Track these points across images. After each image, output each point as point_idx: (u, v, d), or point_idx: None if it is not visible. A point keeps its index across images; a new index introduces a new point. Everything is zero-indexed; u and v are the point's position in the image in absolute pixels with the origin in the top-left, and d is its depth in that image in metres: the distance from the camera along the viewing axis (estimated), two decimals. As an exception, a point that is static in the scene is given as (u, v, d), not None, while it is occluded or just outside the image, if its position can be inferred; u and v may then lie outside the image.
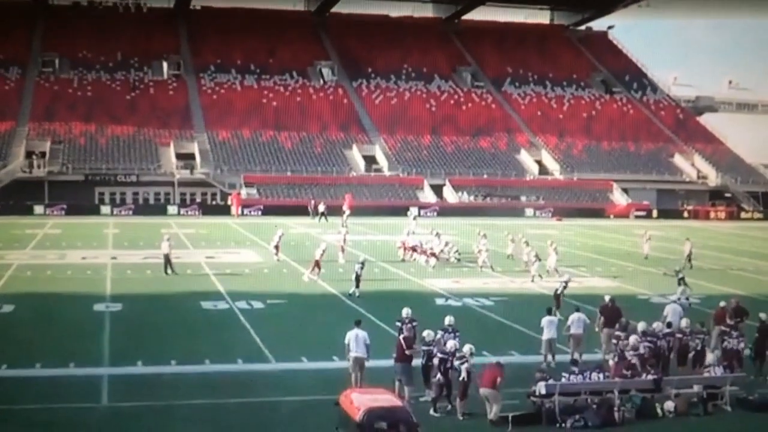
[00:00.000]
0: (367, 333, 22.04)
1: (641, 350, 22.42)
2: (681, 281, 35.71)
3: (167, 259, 40.73)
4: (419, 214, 76.44)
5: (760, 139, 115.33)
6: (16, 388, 21.82)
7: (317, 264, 39.59)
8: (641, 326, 23.58)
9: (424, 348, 21.53)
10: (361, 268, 35.96)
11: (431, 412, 20.13)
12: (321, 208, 73.65)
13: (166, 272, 40.36)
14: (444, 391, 20.50)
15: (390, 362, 21.75)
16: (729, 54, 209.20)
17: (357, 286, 35.48)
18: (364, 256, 38.66)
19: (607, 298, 26.73)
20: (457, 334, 22.51)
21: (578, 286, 36.06)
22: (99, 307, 32.32)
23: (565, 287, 31.12)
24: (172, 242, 42.58)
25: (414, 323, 23.11)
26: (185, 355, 24.92)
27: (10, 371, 23.25)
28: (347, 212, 69.27)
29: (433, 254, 45.40)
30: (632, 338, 22.77)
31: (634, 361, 21.67)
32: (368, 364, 21.73)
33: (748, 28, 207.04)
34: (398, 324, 23.27)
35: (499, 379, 19.51)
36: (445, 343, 21.42)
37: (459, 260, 46.20)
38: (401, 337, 21.75)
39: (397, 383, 21.09)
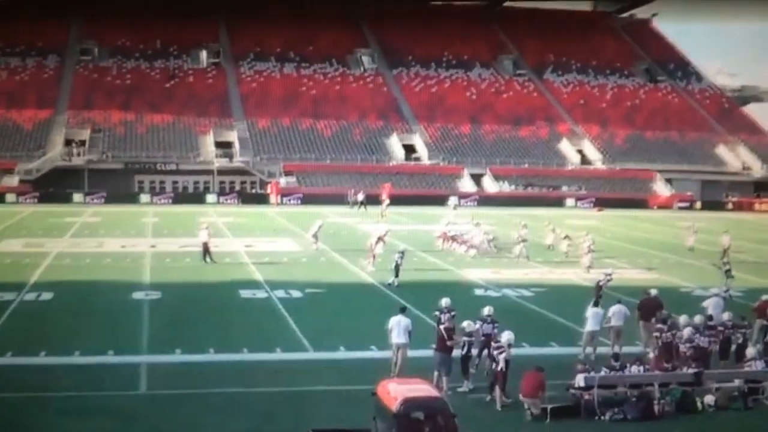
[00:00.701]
0: (410, 320, 22.14)
1: (702, 342, 22.22)
2: (727, 273, 35.26)
3: (206, 248, 40.77)
4: (459, 204, 76.24)
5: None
6: (55, 375, 21.85)
7: (373, 254, 39.50)
8: (683, 320, 23.25)
9: (464, 339, 21.36)
10: (401, 258, 35.79)
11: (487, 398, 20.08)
12: (360, 197, 73.50)
13: (204, 261, 40.41)
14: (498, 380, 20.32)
15: (428, 352, 21.67)
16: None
17: (396, 276, 35.31)
18: (404, 246, 38.48)
19: (653, 292, 26.36)
20: (496, 324, 22.36)
21: (618, 277, 35.63)
22: (138, 295, 32.39)
23: (609, 280, 30.75)
24: (211, 231, 42.66)
25: (453, 313, 22.92)
26: (223, 344, 24.89)
27: (49, 359, 23.30)
28: (386, 201, 69.11)
29: (472, 245, 45.12)
30: (687, 330, 22.54)
31: (690, 353, 21.43)
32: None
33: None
34: (437, 314, 23.09)
35: (540, 393, 19.30)
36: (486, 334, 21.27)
37: (498, 250, 45.86)
38: (442, 327, 21.57)
39: (435, 373, 20.95)
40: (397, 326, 21.95)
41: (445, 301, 23.41)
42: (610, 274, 31.48)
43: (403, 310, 22.57)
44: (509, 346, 20.29)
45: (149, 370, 22.46)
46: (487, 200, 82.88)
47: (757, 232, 63.43)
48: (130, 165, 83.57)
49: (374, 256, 39.47)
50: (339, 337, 25.95)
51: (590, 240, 41.65)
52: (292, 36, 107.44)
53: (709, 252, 46.55)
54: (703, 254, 46.49)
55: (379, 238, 40.52)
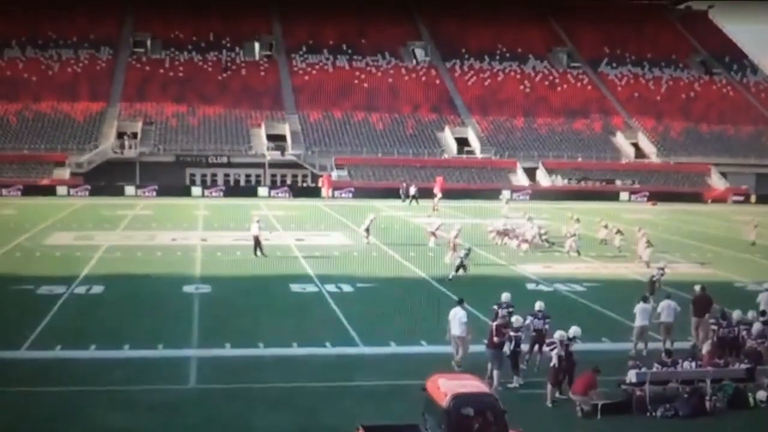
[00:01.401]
0: (466, 313, 22.38)
1: None
2: None
3: (257, 241, 40.78)
4: (511, 198, 75.83)
5: None
6: (104, 369, 22.03)
7: (454, 246, 39.30)
8: (736, 315, 22.99)
9: (513, 334, 21.22)
10: (466, 256, 35.57)
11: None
12: (412, 190, 73.37)
13: (255, 254, 40.46)
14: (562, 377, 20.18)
15: (482, 347, 21.71)
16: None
17: (456, 272, 35.06)
18: (468, 245, 38.21)
19: (697, 288, 26.00)
20: (548, 320, 22.33)
21: (671, 272, 35.17)
22: (188, 288, 32.52)
23: (662, 274, 30.37)
24: (262, 224, 42.69)
25: (510, 309, 22.79)
26: (273, 338, 24.93)
27: (98, 352, 23.46)
28: (438, 195, 68.94)
29: (525, 240, 44.81)
30: (756, 325, 22.43)
31: (761, 348, 21.28)
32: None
33: None
34: (495, 308, 23.00)
35: (590, 392, 19.13)
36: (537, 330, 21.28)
37: (551, 244, 45.49)
38: (494, 324, 21.45)
39: (489, 368, 21.02)
40: (454, 319, 22.33)
41: (505, 296, 23.42)
42: (663, 268, 31.09)
43: (460, 302, 22.76)
44: (574, 339, 20.26)
45: (199, 365, 22.56)
46: (540, 194, 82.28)
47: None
48: (182, 158, 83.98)
49: (453, 247, 39.16)
50: (389, 332, 25.88)
51: (647, 234, 41.24)
52: (344, 28, 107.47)
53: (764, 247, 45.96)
54: (763, 249, 45.79)
55: (432, 233, 40.38)
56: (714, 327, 22.99)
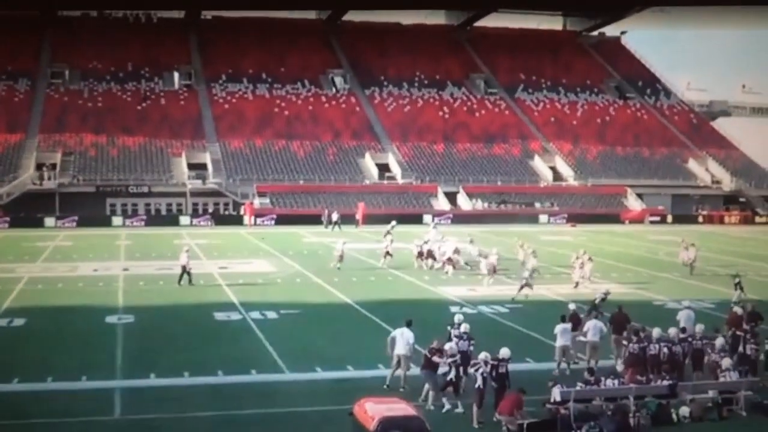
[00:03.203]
0: (413, 335, 22.62)
1: (677, 350, 22.82)
2: (737, 286, 35.55)
3: (184, 270, 40.36)
4: (435, 222, 76.28)
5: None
6: (28, 402, 21.64)
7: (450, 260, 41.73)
8: (656, 332, 23.40)
9: (448, 360, 21.29)
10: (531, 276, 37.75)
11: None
12: (335, 216, 73.56)
13: (179, 283, 40.10)
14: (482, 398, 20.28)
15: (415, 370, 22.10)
16: (742, 58, 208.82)
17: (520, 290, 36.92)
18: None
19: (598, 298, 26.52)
20: (472, 341, 22.48)
21: (591, 292, 35.65)
22: (111, 319, 32.13)
23: (603, 299, 30.20)
24: (190, 253, 42.29)
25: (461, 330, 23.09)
26: (198, 367, 24.74)
27: (22, 385, 23.06)
28: (360, 221, 69.15)
29: (449, 259, 44.96)
30: (655, 330, 23.17)
31: (724, 363, 21.82)
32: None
33: (762, 32, 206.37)
34: (448, 328, 23.54)
35: (516, 411, 19.30)
36: (462, 351, 21.62)
37: (470, 267, 45.70)
38: (428, 348, 21.64)
39: (424, 390, 21.22)
40: (400, 337, 22.47)
41: (457, 318, 23.65)
42: (606, 293, 31.05)
43: (409, 324, 22.89)
44: (504, 360, 20.47)
45: (123, 395, 22.29)
46: (461, 218, 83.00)
47: (728, 244, 63.84)
48: (102, 188, 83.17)
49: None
50: (315, 358, 25.85)
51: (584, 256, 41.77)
52: (264, 57, 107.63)
53: (678, 266, 46.86)
54: (681, 268, 46.57)
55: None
56: (624, 343, 23.51)
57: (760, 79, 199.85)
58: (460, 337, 22.63)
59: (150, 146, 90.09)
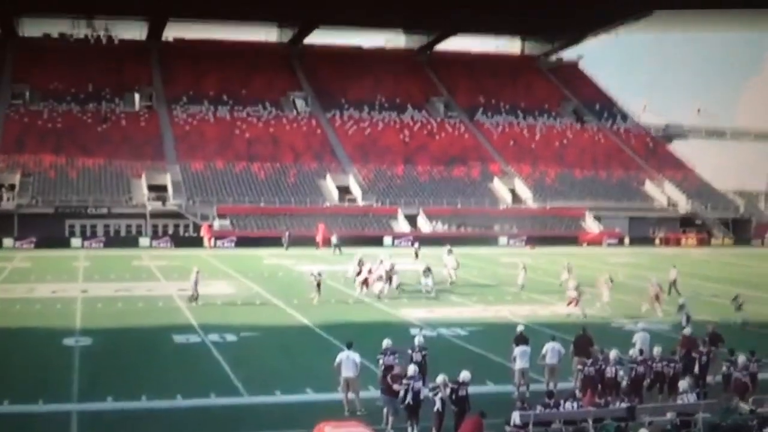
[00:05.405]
0: (358, 355, 22.63)
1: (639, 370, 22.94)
2: (739, 308, 36.03)
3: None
4: (394, 244, 76.41)
5: (729, 166, 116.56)
6: (-17, 425, 21.49)
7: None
8: (613, 354, 23.53)
9: (406, 383, 21.19)
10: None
11: None
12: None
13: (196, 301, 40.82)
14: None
15: (374, 393, 22.08)
16: (697, 82, 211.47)
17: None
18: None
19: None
20: (425, 351, 23.26)
21: (550, 314, 35.91)
22: (68, 341, 31.87)
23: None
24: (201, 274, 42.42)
25: (395, 354, 22.99)
26: (156, 390, 24.59)
27: (-23, 408, 22.87)
28: (320, 243, 69.16)
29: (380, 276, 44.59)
30: (613, 353, 23.28)
31: (681, 385, 21.86)
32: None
33: (716, 56, 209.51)
34: (379, 357, 23.13)
35: None
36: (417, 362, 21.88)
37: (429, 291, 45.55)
38: (392, 372, 21.57)
39: (384, 412, 21.20)
40: (347, 360, 22.39)
41: (386, 342, 23.47)
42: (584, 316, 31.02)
43: (349, 346, 22.90)
44: (464, 383, 20.46)
45: (80, 419, 22.12)
46: (421, 240, 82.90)
47: (685, 266, 63.95)
48: (61, 209, 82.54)
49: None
50: (274, 381, 25.80)
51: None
52: (225, 79, 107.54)
53: (638, 287, 47.10)
54: (637, 290, 46.85)
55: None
56: (579, 367, 23.65)
57: (715, 103, 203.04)
58: (413, 349, 23.20)
59: (110, 167, 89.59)
